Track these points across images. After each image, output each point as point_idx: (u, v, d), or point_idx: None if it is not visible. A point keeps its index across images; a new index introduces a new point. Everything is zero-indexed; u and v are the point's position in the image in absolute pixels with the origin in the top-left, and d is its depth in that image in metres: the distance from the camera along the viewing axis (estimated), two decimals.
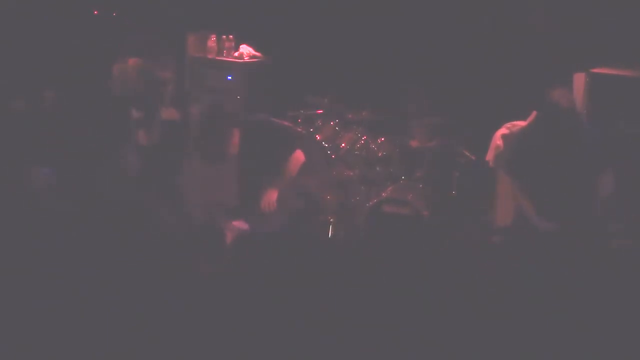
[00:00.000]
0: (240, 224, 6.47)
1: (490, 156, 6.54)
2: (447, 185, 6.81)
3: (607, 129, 5.98)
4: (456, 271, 5.42)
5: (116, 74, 6.55)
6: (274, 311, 4.84)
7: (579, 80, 6.27)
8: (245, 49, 7.95)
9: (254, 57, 7.94)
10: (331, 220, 6.63)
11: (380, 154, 6.97)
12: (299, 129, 6.55)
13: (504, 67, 6.95)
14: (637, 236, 5.63)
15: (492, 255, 5.69)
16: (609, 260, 5.39)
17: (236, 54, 7.97)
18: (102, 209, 6.35)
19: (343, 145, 6.98)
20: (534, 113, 6.58)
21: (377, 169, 6.94)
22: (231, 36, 7.99)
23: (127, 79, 6.49)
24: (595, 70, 6.21)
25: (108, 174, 6.61)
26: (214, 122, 6.00)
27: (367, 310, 4.86)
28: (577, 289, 4.93)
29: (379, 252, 6.30)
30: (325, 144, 6.94)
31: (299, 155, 6.10)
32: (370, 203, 6.51)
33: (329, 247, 6.52)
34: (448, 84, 7.10)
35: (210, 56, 8.01)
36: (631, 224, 5.70)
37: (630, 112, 6.11)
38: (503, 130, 6.52)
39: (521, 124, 6.53)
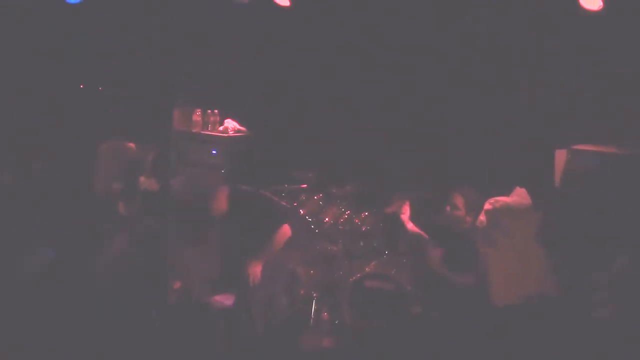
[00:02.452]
0: (223, 299, 6.42)
1: None
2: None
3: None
4: (442, 347, 5.38)
5: (99, 157, 6.57)
6: None
7: (561, 156, 6.33)
8: (230, 124, 7.99)
9: (239, 131, 7.98)
10: (315, 295, 6.60)
11: (363, 229, 6.97)
12: (285, 204, 6.56)
13: (486, 143, 7.01)
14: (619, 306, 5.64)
15: (483, 330, 5.66)
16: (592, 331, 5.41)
17: (221, 128, 8.01)
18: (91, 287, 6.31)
19: (327, 219, 6.99)
20: (517, 189, 6.63)
21: (361, 243, 6.93)
22: (216, 110, 8.04)
23: (109, 162, 6.51)
24: (577, 147, 6.27)
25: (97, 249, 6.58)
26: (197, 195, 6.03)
27: None
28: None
29: (363, 327, 6.26)
30: (309, 218, 6.94)
31: (285, 230, 6.09)
32: (354, 278, 6.48)
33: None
34: (432, 158, 7.15)
35: (195, 130, 8.04)
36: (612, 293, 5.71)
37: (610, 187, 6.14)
38: (486, 206, 6.55)
39: (504, 199, 6.56)
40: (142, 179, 6.51)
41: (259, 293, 6.19)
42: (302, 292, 6.66)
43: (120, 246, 6.47)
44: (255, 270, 6.13)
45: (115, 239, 6.51)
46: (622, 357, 4.99)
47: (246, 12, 7.42)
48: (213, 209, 6.17)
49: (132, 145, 6.52)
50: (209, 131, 8.03)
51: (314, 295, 6.61)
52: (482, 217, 6.48)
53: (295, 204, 7.00)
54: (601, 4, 6.00)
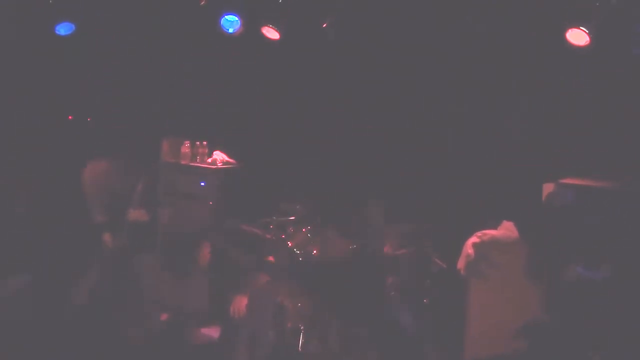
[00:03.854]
0: (209, 332, 6.39)
1: (461, 265, 6.55)
2: (419, 293, 6.78)
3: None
4: None
5: (86, 176, 6.60)
6: None
7: (548, 190, 6.35)
8: (219, 155, 7.99)
9: (227, 163, 7.98)
10: (302, 328, 6.56)
11: None
12: (269, 236, 6.56)
13: (474, 177, 7.03)
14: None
15: None
16: None
17: (210, 160, 8.01)
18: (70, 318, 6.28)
19: (315, 252, 6.96)
20: (504, 222, 6.64)
21: None
22: (205, 142, 8.05)
23: (97, 180, 6.54)
24: (564, 181, 6.29)
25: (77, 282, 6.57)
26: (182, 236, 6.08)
27: None
28: None
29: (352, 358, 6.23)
30: (297, 250, 6.92)
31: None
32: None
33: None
34: (419, 191, 7.16)
35: (183, 162, 8.03)
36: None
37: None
38: (474, 239, 6.55)
39: (492, 232, 6.57)
40: (130, 210, 6.52)
41: (243, 328, 6.16)
42: (289, 324, 6.62)
43: (97, 274, 6.49)
44: (240, 304, 6.11)
45: (93, 266, 6.54)
46: None
47: (235, 45, 7.46)
48: (197, 260, 6.24)
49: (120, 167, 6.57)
50: (198, 163, 8.03)
51: (301, 327, 6.57)
52: (470, 250, 6.48)
53: (283, 236, 6.98)
54: (588, 39, 6.05)
